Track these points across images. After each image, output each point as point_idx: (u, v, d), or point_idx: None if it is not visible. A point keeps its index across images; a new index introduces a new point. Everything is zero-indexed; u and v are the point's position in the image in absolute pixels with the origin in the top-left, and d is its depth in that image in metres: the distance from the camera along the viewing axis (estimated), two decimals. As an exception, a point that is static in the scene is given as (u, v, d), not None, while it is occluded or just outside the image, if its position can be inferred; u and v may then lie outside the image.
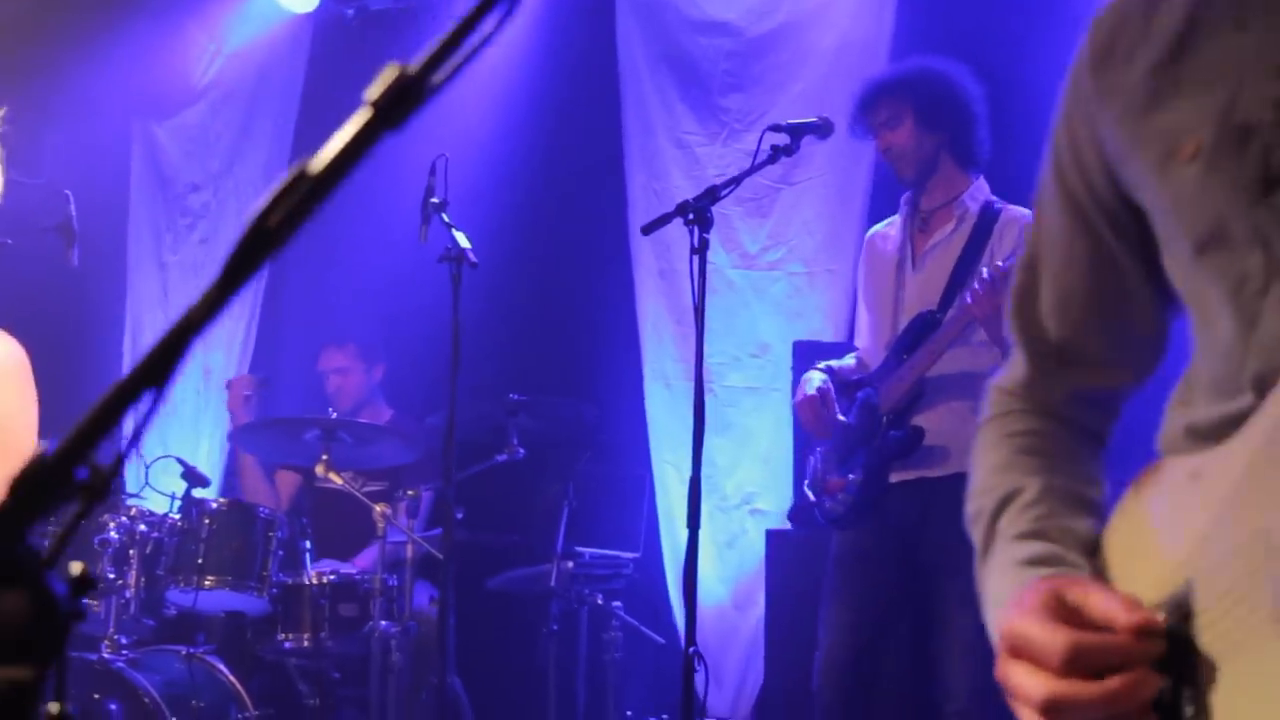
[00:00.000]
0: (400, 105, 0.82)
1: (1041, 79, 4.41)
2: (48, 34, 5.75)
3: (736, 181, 3.19)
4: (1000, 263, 3.21)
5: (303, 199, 0.81)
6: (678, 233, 5.36)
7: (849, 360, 3.75)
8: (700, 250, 3.13)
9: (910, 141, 3.47)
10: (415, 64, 0.83)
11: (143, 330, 6.03)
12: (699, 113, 5.38)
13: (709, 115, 5.36)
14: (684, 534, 5.09)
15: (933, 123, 3.45)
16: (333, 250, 5.59)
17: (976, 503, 1.34)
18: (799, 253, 5.16)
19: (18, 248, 4.64)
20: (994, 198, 3.60)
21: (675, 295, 5.22)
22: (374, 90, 0.83)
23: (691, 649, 2.97)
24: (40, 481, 0.82)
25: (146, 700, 3.45)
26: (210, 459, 5.74)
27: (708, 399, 5.30)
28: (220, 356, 5.90)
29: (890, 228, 3.77)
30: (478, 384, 4.35)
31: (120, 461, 0.85)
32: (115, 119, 6.23)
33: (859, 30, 5.12)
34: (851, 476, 3.41)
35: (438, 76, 0.83)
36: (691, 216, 3.18)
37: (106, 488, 0.85)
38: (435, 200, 3.84)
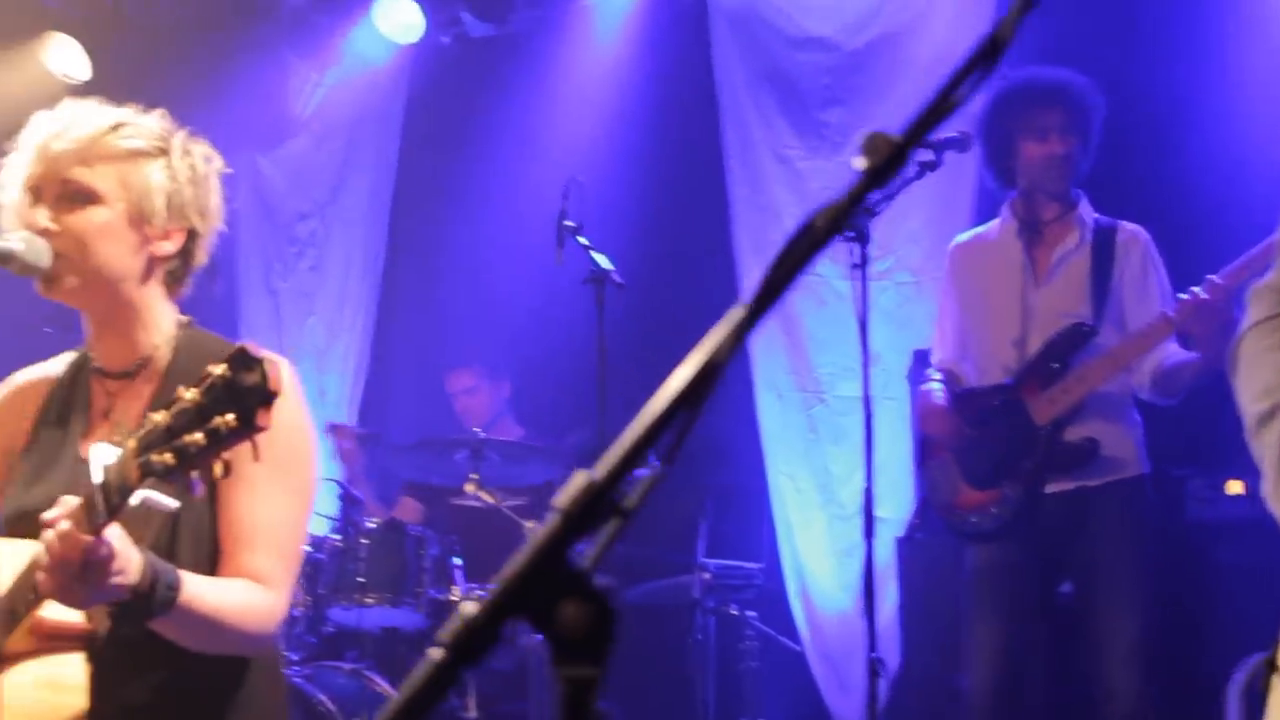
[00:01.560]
0: (888, 167, 0.92)
1: (1145, 87, 4.49)
2: (158, 72, 5.92)
3: (890, 196, 3.27)
4: (1217, 279, 3.22)
5: (803, 253, 0.91)
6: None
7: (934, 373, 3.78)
8: (862, 264, 3.21)
9: (1076, 151, 3.53)
10: (900, 134, 0.93)
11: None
12: (799, 128, 5.47)
13: (809, 130, 5.46)
14: (802, 543, 5.22)
15: (1088, 135, 3.52)
16: (447, 271, 5.72)
17: (1273, 399, 1.36)
18: (906, 262, 5.24)
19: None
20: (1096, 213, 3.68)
21: (783, 306, 5.30)
22: (864, 158, 0.93)
23: (873, 655, 3.04)
24: (587, 504, 0.93)
25: (324, 714, 3.57)
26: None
27: (819, 409, 5.46)
28: (335, 380, 6.04)
29: (984, 235, 3.82)
30: (608, 400, 4.45)
31: (652, 484, 0.96)
32: (222, 152, 6.39)
33: (957, 40, 5.20)
34: (1007, 489, 3.44)
35: (916, 138, 0.93)
36: (853, 234, 3.26)
37: (636, 510, 0.96)
38: (570, 223, 3.95)
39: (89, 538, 1.54)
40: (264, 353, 1.52)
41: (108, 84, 5.80)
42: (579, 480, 0.94)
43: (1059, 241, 3.62)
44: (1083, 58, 3.88)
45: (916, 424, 4.08)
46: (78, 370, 2.03)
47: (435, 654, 0.92)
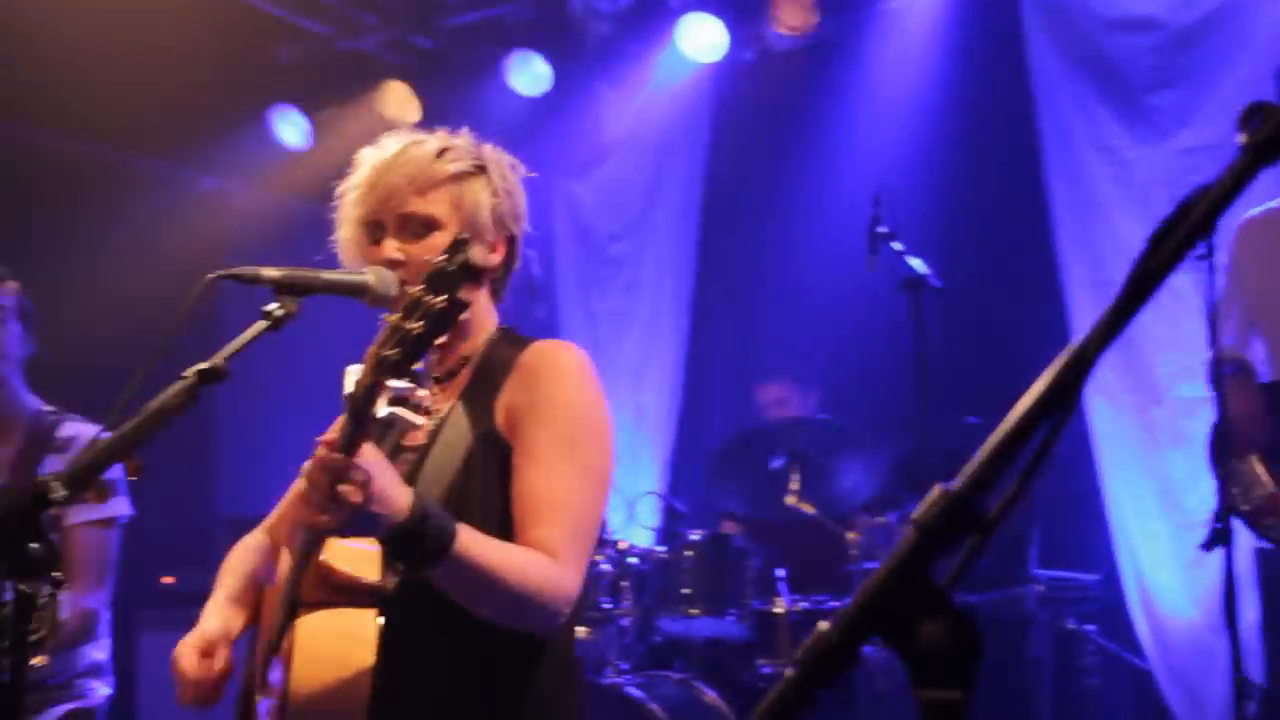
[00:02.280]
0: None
1: None
2: (476, 108, 6.23)
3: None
4: None
5: (1182, 240, 0.85)
6: (1110, 241, 5.22)
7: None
8: (1207, 255, 2.99)
9: None
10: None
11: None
12: (1123, 115, 5.18)
13: (1135, 117, 5.16)
14: (1144, 552, 4.92)
15: None
16: (757, 284, 5.74)
17: None
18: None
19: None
20: None
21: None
22: (1247, 133, 0.85)
23: (1239, 674, 2.82)
24: (948, 515, 0.89)
25: (653, 718, 3.63)
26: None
27: (1157, 412, 5.13)
28: (651, 397, 6.16)
29: (1277, 210, 3.50)
30: (927, 409, 4.34)
31: (1015, 495, 0.91)
32: (540, 180, 6.66)
33: (1302, 7, 4.80)
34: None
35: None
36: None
37: (998, 523, 0.91)
38: (882, 229, 3.88)
39: (338, 456, 1.57)
40: (468, 237, 1.59)
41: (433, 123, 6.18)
42: (937, 493, 0.90)
43: None
44: None
45: (1220, 420, 3.75)
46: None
47: (790, 673, 0.91)
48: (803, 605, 4.11)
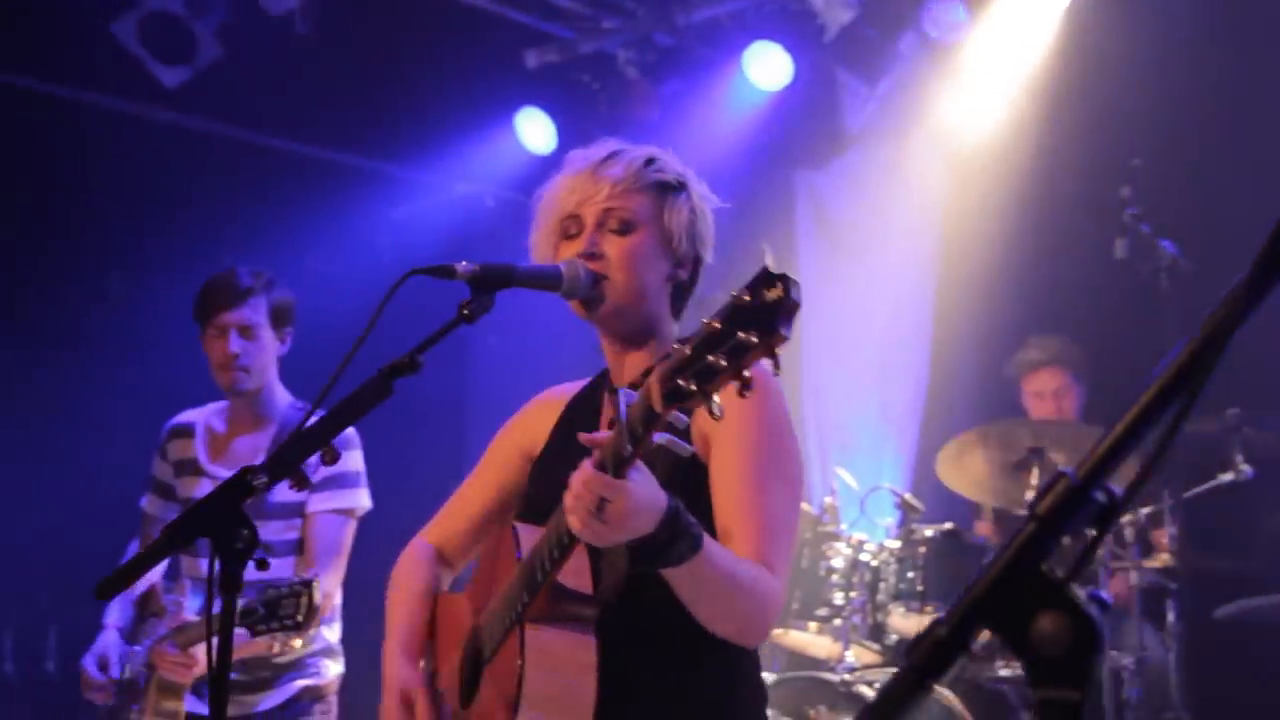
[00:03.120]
0: None
1: None
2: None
3: None
4: None
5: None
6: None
7: None
8: None
9: None
10: None
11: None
12: None
13: None
14: None
15: None
16: (1000, 272, 5.53)
17: None
18: None
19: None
20: None
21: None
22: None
23: None
24: (1067, 505, 0.83)
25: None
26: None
27: None
28: (896, 390, 6.04)
29: None
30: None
31: (1139, 483, 0.85)
32: (778, 170, 6.64)
33: None
34: None
35: None
36: None
37: (1120, 511, 0.85)
38: (1132, 212, 3.67)
39: (608, 478, 1.57)
40: (783, 270, 1.50)
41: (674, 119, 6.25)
42: (1059, 482, 0.85)
43: None
44: None
45: None
46: (595, 387, 2.18)
47: (902, 667, 0.87)
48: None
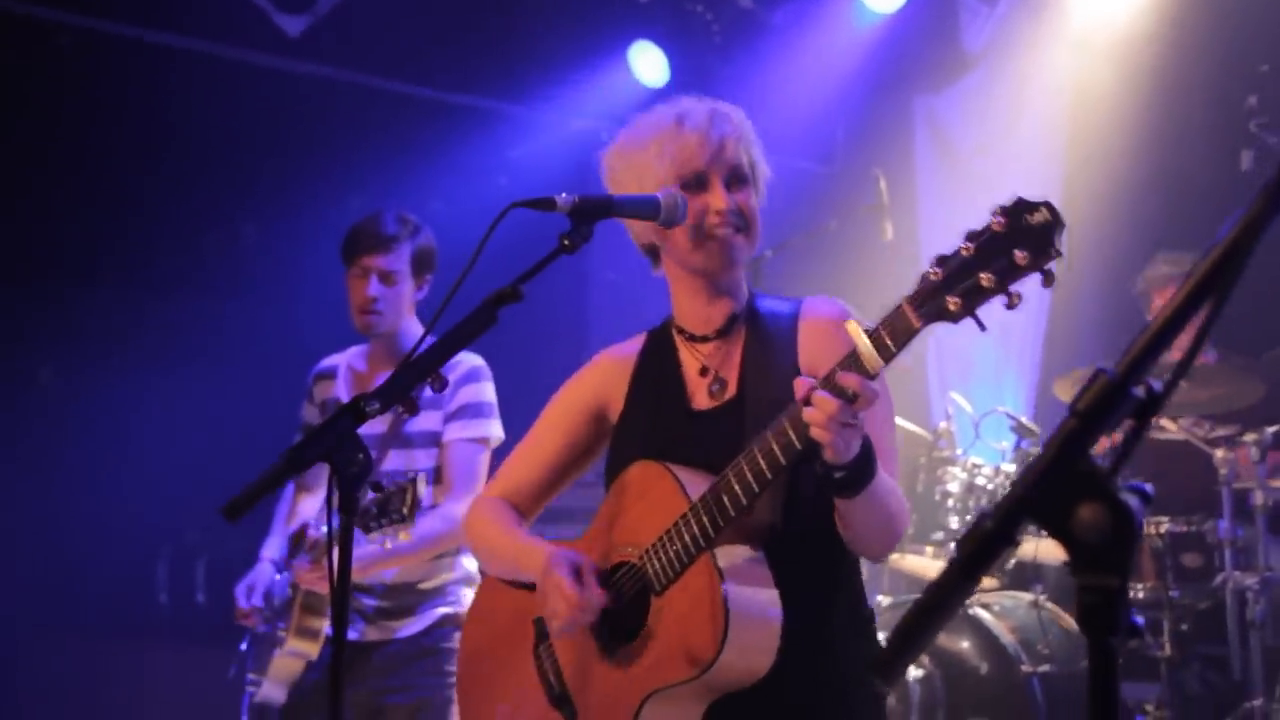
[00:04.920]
0: None
1: None
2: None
3: None
4: None
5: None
6: None
7: None
8: None
9: None
10: None
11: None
12: None
13: None
14: None
15: None
16: (1126, 195, 5.41)
17: None
18: None
19: (841, 230, 5.06)
20: None
21: None
22: None
23: None
24: (1103, 400, 0.87)
25: (1000, 641, 3.58)
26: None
27: None
28: (1016, 314, 5.93)
29: None
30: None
31: (1175, 380, 0.88)
32: (896, 95, 6.54)
33: None
34: None
35: None
36: None
37: (1159, 406, 0.88)
38: (1261, 120, 3.55)
39: (868, 380, 1.68)
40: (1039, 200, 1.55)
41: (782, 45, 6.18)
42: (1097, 379, 0.88)
43: None
44: None
45: None
46: (657, 343, 2.21)
47: (952, 558, 0.92)
48: (1168, 527, 3.88)
